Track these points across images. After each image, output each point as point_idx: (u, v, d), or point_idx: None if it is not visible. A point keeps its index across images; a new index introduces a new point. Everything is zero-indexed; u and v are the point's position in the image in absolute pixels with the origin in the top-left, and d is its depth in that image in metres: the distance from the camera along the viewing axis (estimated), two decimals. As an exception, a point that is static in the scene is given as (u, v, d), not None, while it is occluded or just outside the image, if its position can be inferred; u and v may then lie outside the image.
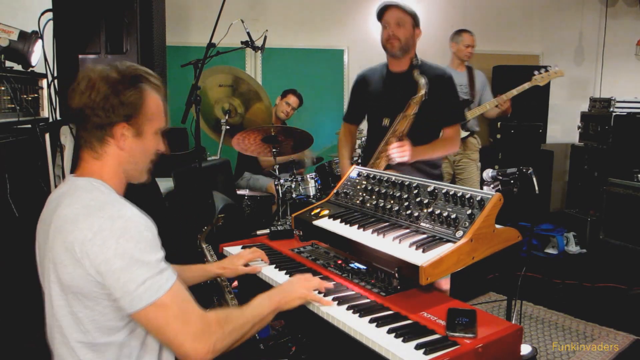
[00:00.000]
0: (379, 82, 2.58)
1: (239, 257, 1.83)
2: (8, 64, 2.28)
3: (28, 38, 2.30)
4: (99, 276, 1.15)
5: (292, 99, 4.44)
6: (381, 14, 2.47)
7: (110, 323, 1.21)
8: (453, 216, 1.56)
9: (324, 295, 1.54)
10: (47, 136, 2.40)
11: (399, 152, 2.31)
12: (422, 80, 2.34)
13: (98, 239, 1.14)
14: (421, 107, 2.37)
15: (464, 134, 4.22)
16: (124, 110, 1.25)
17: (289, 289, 1.50)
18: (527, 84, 4.10)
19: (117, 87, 1.24)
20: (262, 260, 1.87)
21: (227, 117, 3.97)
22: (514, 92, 4.10)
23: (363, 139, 4.30)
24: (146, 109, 1.29)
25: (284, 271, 1.77)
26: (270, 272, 1.78)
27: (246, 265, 1.83)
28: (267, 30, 3.37)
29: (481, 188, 2.13)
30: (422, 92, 2.34)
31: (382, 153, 2.44)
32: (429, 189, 1.70)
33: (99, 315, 1.20)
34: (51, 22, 2.30)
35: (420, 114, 2.37)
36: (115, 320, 1.21)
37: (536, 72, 4.12)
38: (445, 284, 2.01)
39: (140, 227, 1.18)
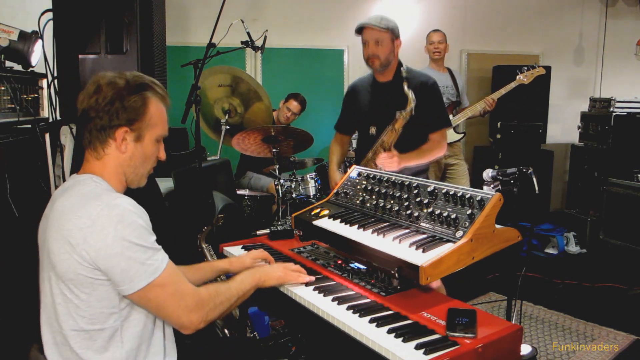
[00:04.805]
0: (367, 92, 2.67)
1: (247, 255, 1.86)
2: (8, 64, 2.27)
3: (28, 38, 2.30)
4: (96, 262, 1.22)
5: (293, 105, 4.36)
6: (359, 32, 2.55)
7: (104, 310, 1.28)
8: (453, 216, 1.56)
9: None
10: (47, 136, 2.40)
11: (388, 162, 2.37)
12: (411, 95, 2.38)
13: (97, 226, 1.22)
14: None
15: (458, 136, 4.23)
16: (126, 114, 1.34)
17: (269, 270, 1.64)
18: (513, 84, 4.24)
19: (122, 93, 1.33)
20: (267, 261, 1.86)
21: (227, 117, 3.97)
22: (502, 91, 4.23)
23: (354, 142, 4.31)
24: (148, 116, 1.37)
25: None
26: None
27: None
28: (267, 30, 3.38)
29: (481, 188, 2.13)
30: (411, 107, 2.39)
31: (370, 162, 2.52)
32: (429, 189, 1.70)
33: (95, 301, 1.26)
34: (51, 22, 2.30)
35: (407, 121, 2.43)
36: (109, 308, 1.28)
37: (518, 72, 4.25)
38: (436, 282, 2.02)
39: (135, 215, 1.27)
